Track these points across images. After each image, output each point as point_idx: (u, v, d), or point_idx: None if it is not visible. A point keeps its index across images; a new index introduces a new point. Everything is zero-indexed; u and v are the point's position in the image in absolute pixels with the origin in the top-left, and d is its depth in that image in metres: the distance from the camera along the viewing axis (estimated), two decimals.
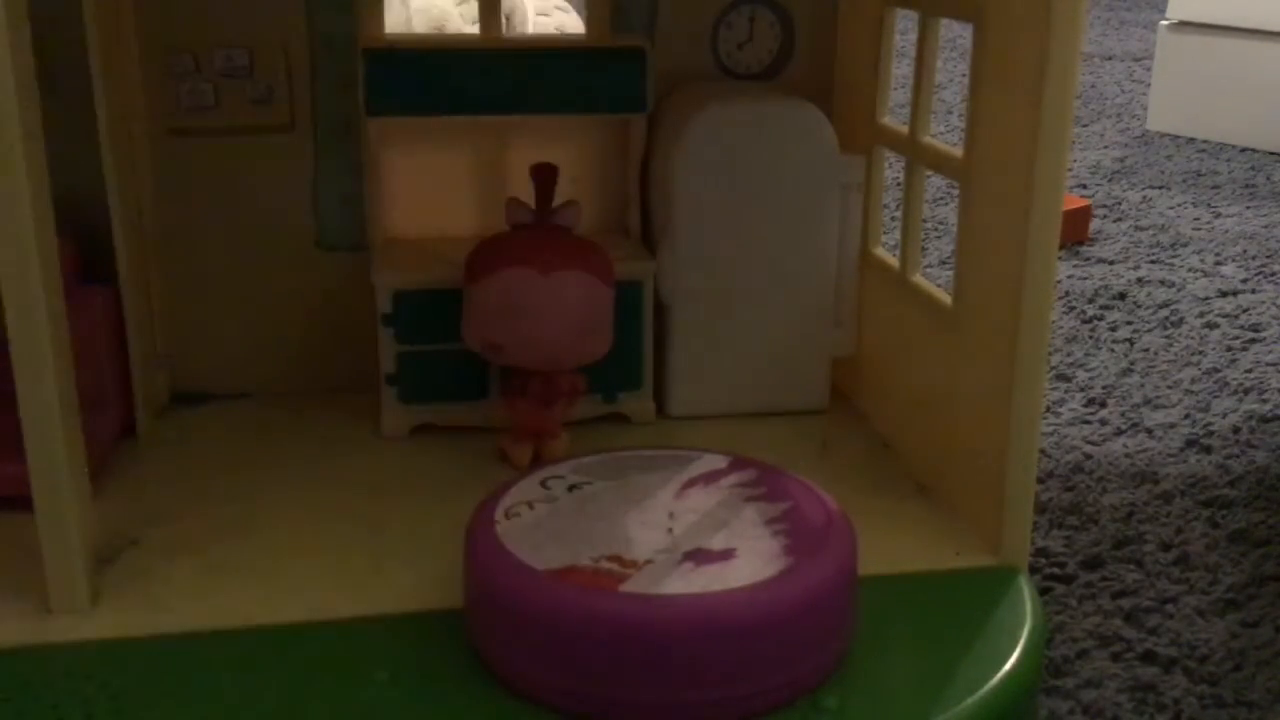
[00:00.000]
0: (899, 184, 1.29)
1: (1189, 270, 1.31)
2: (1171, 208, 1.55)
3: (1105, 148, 1.86)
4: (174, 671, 0.49)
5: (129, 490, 0.63)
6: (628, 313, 0.69)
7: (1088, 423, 0.95)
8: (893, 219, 1.19)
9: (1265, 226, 1.48)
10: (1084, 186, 1.64)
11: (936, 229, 1.43)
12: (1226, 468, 0.88)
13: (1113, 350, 1.10)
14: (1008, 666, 0.50)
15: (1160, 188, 1.65)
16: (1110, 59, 2.58)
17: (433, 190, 0.74)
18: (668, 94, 0.72)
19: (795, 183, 0.69)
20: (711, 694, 0.45)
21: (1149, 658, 0.67)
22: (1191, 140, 1.92)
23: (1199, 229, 1.47)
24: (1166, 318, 1.17)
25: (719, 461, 0.55)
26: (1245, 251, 1.38)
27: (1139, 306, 1.20)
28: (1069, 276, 1.29)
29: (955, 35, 2.48)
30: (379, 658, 0.49)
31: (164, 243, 0.72)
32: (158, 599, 0.54)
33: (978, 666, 0.49)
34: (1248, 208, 1.56)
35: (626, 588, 0.45)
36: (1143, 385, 1.02)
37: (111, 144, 0.64)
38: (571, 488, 0.53)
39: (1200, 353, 1.09)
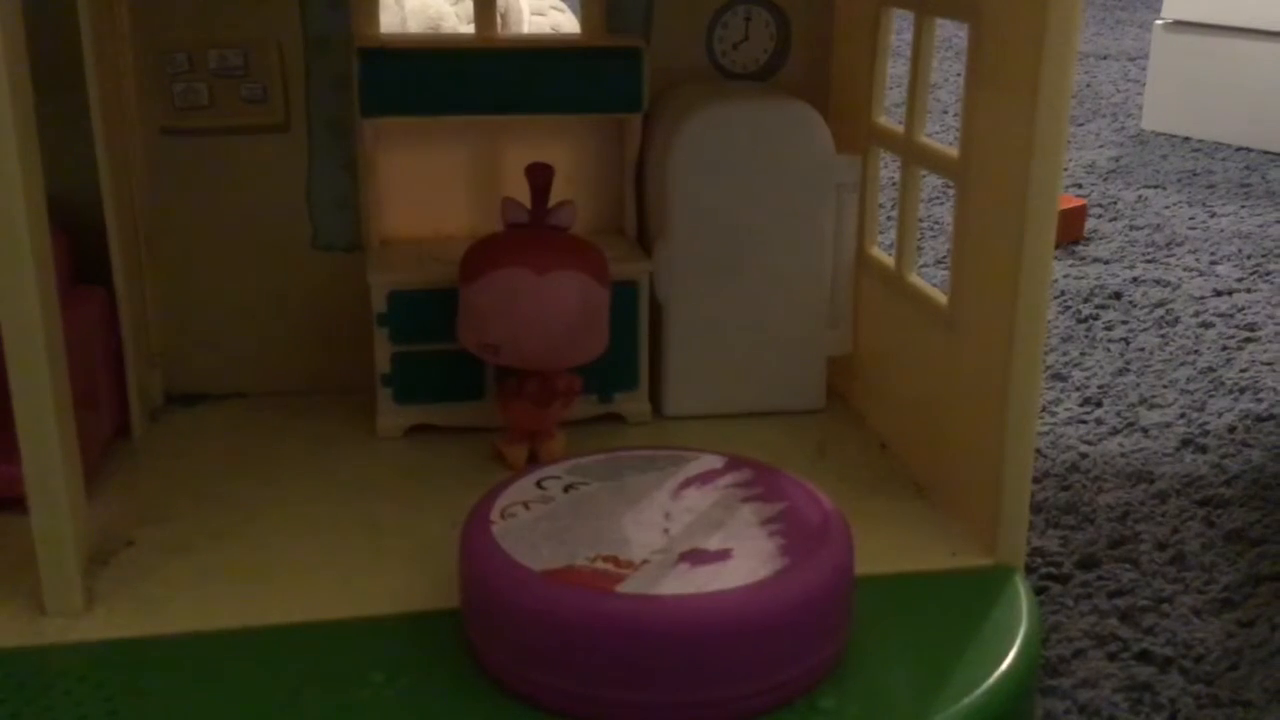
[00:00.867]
0: (894, 184, 1.29)
1: (1184, 270, 1.32)
2: (1167, 207, 1.56)
3: (1100, 147, 1.86)
4: (169, 673, 0.49)
5: (124, 491, 0.63)
6: (623, 313, 0.69)
7: (1083, 422, 0.95)
8: (888, 219, 1.19)
9: (1260, 226, 1.48)
10: (1079, 186, 1.64)
11: (932, 229, 1.43)
12: (1222, 467, 0.88)
13: (1108, 350, 1.10)
14: (1004, 666, 0.49)
15: (1155, 187, 1.65)
16: (1105, 58, 2.58)
17: (428, 190, 0.74)
18: (663, 94, 0.72)
19: (791, 182, 0.69)
20: (708, 694, 0.45)
21: (1145, 657, 0.67)
22: (1187, 140, 1.92)
23: (1194, 228, 1.47)
24: (1162, 317, 1.17)
25: (715, 461, 0.55)
26: (1240, 251, 1.38)
27: (1134, 306, 1.20)
28: (1064, 276, 1.29)
29: (951, 35, 2.48)
30: (375, 659, 0.49)
31: (158, 243, 0.72)
32: (153, 600, 0.53)
33: (974, 666, 0.49)
34: (1243, 207, 1.56)
35: (623, 588, 0.45)
36: (1138, 385, 1.02)
37: (106, 144, 0.64)
38: (567, 488, 0.53)
39: (1196, 352, 1.09)
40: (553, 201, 0.66)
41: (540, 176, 0.65)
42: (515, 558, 0.47)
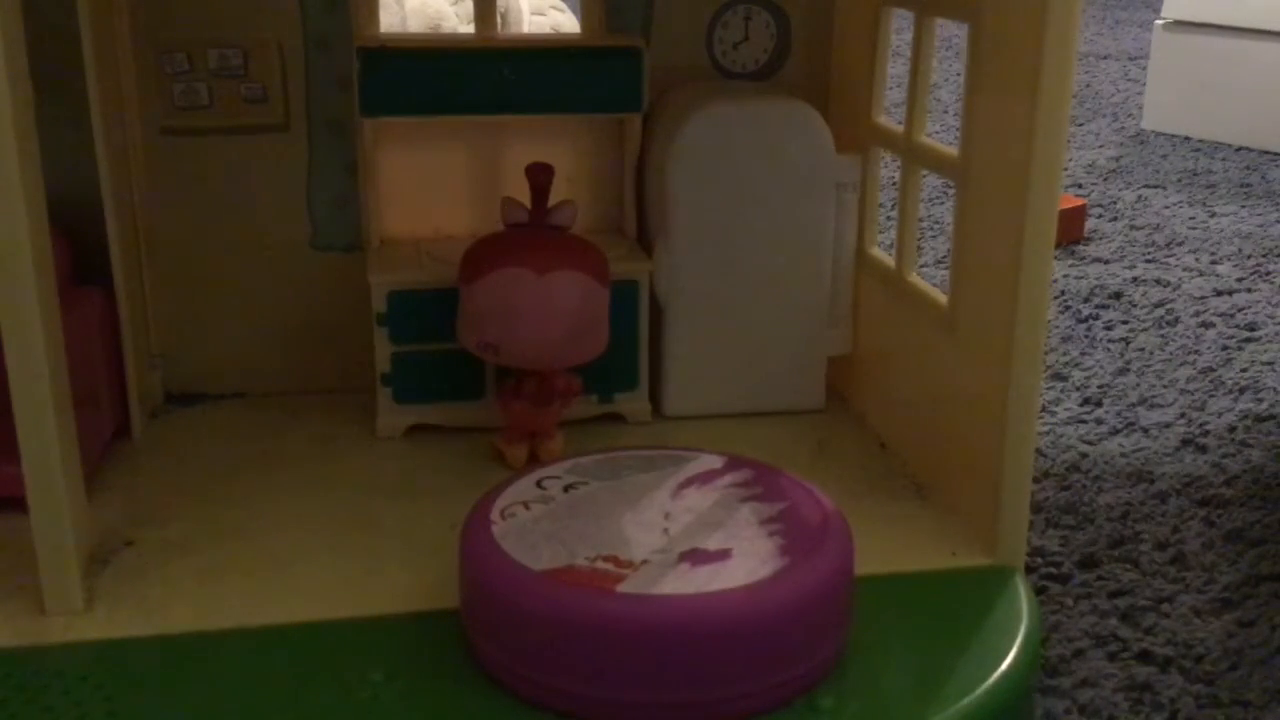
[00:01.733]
0: (894, 184, 1.29)
1: (1184, 269, 1.31)
2: (1167, 207, 1.56)
3: (1100, 147, 1.86)
4: (169, 673, 0.49)
5: (123, 491, 0.63)
6: (623, 312, 0.69)
7: (1083, 422, 0.95)
8: (888, 219, 1.19)
9: (1260, 225, 1.48)
10: (1079, 186, 1.64)
11: (932, 228, 1.43)
12: (1222, 467, 0.88)
13: (1108, 349, 1.10)
14: (1004, 666, 0.49)
15: (1156, 187, 1.65)
16: (1105, 58, 2.58)
17: (428, 190, 0.74)
18: (663, 93, 0.72)
19: (791, 182, 0.69)
20: (707, 694, 0.45)
21: (1145, 657, 0.67)
22: (1187, 139, 1.92)
23: (1194, 228, 1.47)
24: (1162, 317, 1.17)
25: (715, 461, 0.55)
26: (1240, 250, 1.38)
27: (1134, 306, 1.20)
28: (1064, 276, 1.29)
29: (951, 35, 2.48)
30: (375, 658, 0.49)
31: (158, 243, 0.72)
32: (152, 600, 0.53)
33: (974, 666, 0.49)
34: (1243, 207, 1.56)
35: (623, 588, 0.45)
36: (1138, 384, 1.02)
37: (106, 144, 0.64)
38: (567, 488, 0.52)
39: (1196, 352, 1.09)
40: (553, 201, 0.66)
41: (540, 176, 0.65)
42: (515, 558, 0.47)
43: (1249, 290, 1.25)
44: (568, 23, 1.58)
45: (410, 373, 0.69)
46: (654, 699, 0.45)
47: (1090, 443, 0.92)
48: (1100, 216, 1.51)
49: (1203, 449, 0.91)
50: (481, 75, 0.68)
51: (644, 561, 0.47)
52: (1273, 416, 0.96)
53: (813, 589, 0.47)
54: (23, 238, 0.47)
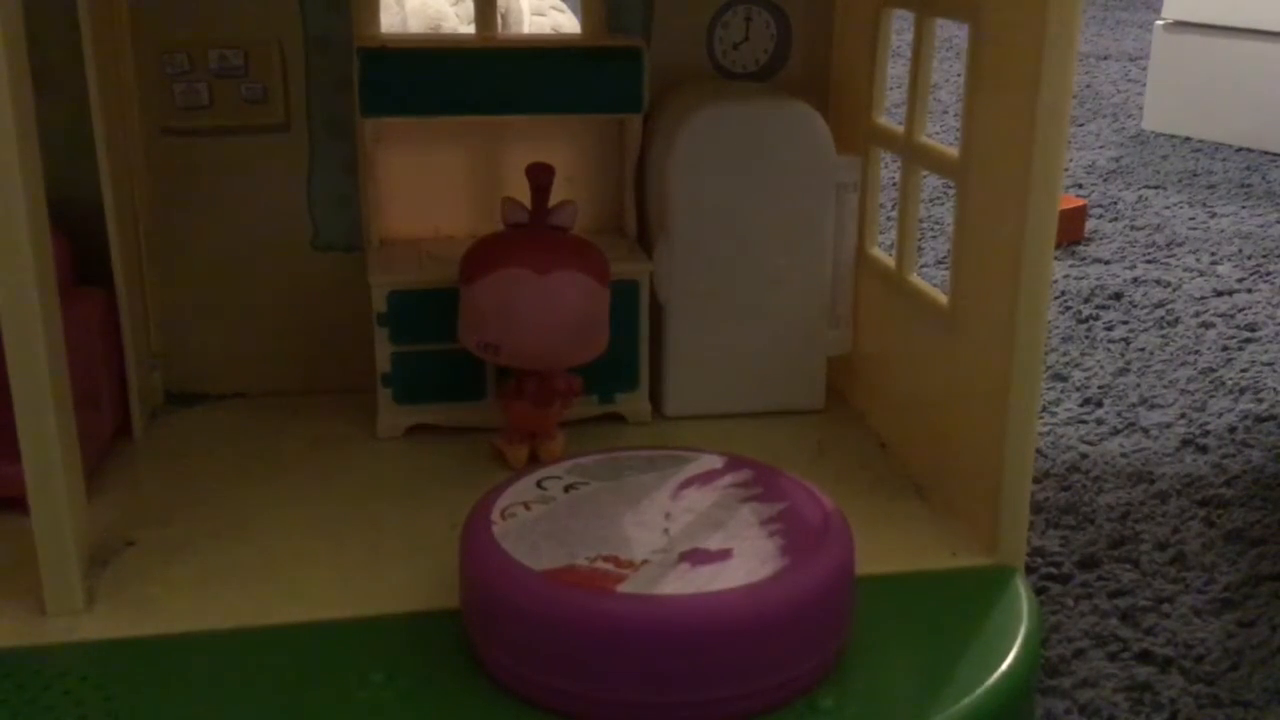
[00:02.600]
0: (895, 184, 1.29)
1: (1185, 270, 1.32)
2: (1167, 207, 1.56)
3: (1101, 147, 1.86)
4: (169, 673, 0.49)
5: (124, 491, 0.63)
6: (624, 313, 0.69)
7: (1084, 422, 0.95)
8: (889, 219, 1.19)
9: (1261, 226, 1.48)
10: (1080, 186, 1.64)
11: (932, 229, 1.43)
12: (1222, 467, 0.88)
13: (1109, 350, 1.10)
14: (1004, 666, 0.49)
15: (1156, 187, 1.65)
16: (1106, 59, 2.58)
17: (428, 190, 0.74)
18: (663, 94, 0.72)
19: (791, 182, 0.69)
20: (708, 694, 0.45)
21: (1145, 657, 0.67)
22: (1187, 140, 1.92)
23: (1195, 229, 1.47)
24: (1162, 317, 1.17)
25: (715, 461, 0.55)
26: (1241, 251, 1.38)
27: (1135, 306, 1.20)
28: (1065, 276, 1.29)
29: (951, 35, 2.48)
30: (375, 659, 0.49)
31: (159, 243, 0.72)
32: (153, 600, 0.54)
33: (974, 666, 0.49)
34: (1243, 207, 1.56)
35: (623, 588, 0.45)
36: (1139, 385, 1.02)
37: (106, 144, 0.64)
38: (568, 488, 0.53)
39: (1196, 352, 1.09)
40: (553, 201, 0.66)
41: (540, 176, 0.65)
42: (515, 558, 0.47)
43: (1249, 291, 1.25)
44: (568, 23, 1.58)
45: (411, 373, 0.69)
46: (654, 699, 0.45)
47: (1090, 443, 0.92)
48: (1100, 217, 1.51)
49: (1203, 449, 0.91)
50: (482, 75, 0.68)
51: (644, 561, 0.47)
52: (1273, 417, 0.96)
53: (813, 589, 0.47)
54: (23, 238, 0.47)
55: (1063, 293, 1.24)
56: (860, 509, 0.57)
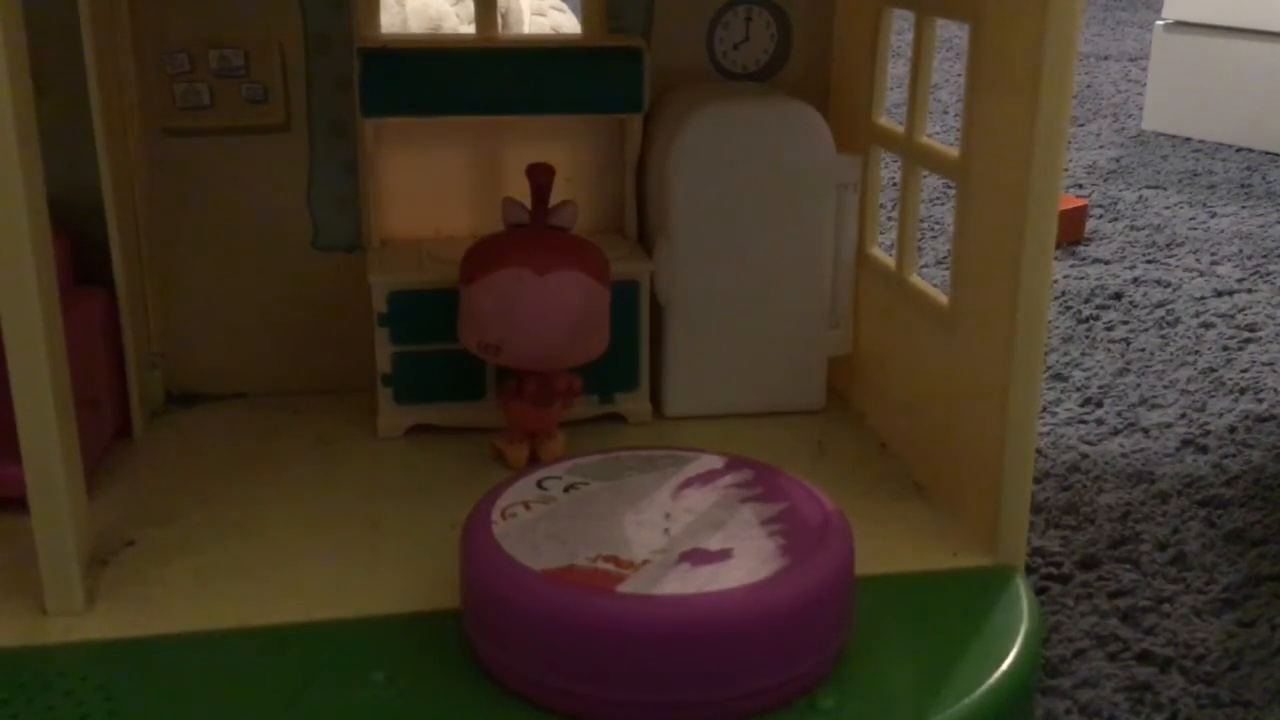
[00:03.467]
0: (895, 184, 1.29)
1: (1185, 270, 1.32)
2: (1167, 207, 1.56)
3: (1101, 147, 1.86)
4: (170, 673, 0.49)
5: (124, 491, 0.63)
6: (624, 313, 0.69)
7: (1084, 422, 0.95)
8: (889, 219, 1.19)
9: (1261, 226, 1.48)
10: (1080, 186, 1.64)
11: (933, 229, 1.43)
12: (1223, 467, 0.88)
13: (1109, 350, 1.10)
14: (1004, 666, 0.49)
15: (1156, 187, 1.65)
16: (1106, 59, 2.58)
17: (429, 190, 0.74)
18: (664, 94, 0.72)
19: (791, 182, 0.69)
20: (708, 694, 0.45)
21: (1146, 657, 0.67)
22: (1187, 140, 1.92)
23: (1195, 229, 1.47)
24: (1162, 318, 1.17)
25: (716, 462, 0.55)
26: (1241, 251, 1.38)
27: (1135, 306, 1.20)
28: (1065, 276, 1.29)
29: (951, 35, 2.48)
30: (375, 659, 0.49)
31: (159, 243, 0.72)
32: (153, 600, 0.54)
33: (975, 666, 0.49)
34: (1243, 207, 1.56)
35: (623, 588, 0.45)
36: (1139, 385, 1.02)
37: (107, 144, 0.64)
38: (568, 488, 0.53)
39: (1196, 352, 1.09)
40: (553, 201, 0.66)
41: (541, 176, 0.65)
42: (515, 558, 0.47)
43: (1249, 291, 1.25)
44: (568, 23, 1.58)
45: (411, 373, 0.69)
46: (654, 699, 0.45)
47: (1091, 443, 0.92)
48: (1101, 217, 1.51)
49: (1203, 449, 0.91)
50: (482, 75, 0.68)
51: (644, 561, 0.47)
52: (1273, 417, 0.96)
53: (813, 589, 0.47)
54: (24, 238, 0.47)
55: (1063, 293, 1.24)
56: (860, 509, 0.57)
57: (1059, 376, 1.04)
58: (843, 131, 0.71)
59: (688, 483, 0.53)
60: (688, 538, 0.49)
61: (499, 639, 0.47)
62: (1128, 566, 0.76)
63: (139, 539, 0.58)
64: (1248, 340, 1.12)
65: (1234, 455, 0.90)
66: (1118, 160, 1.79)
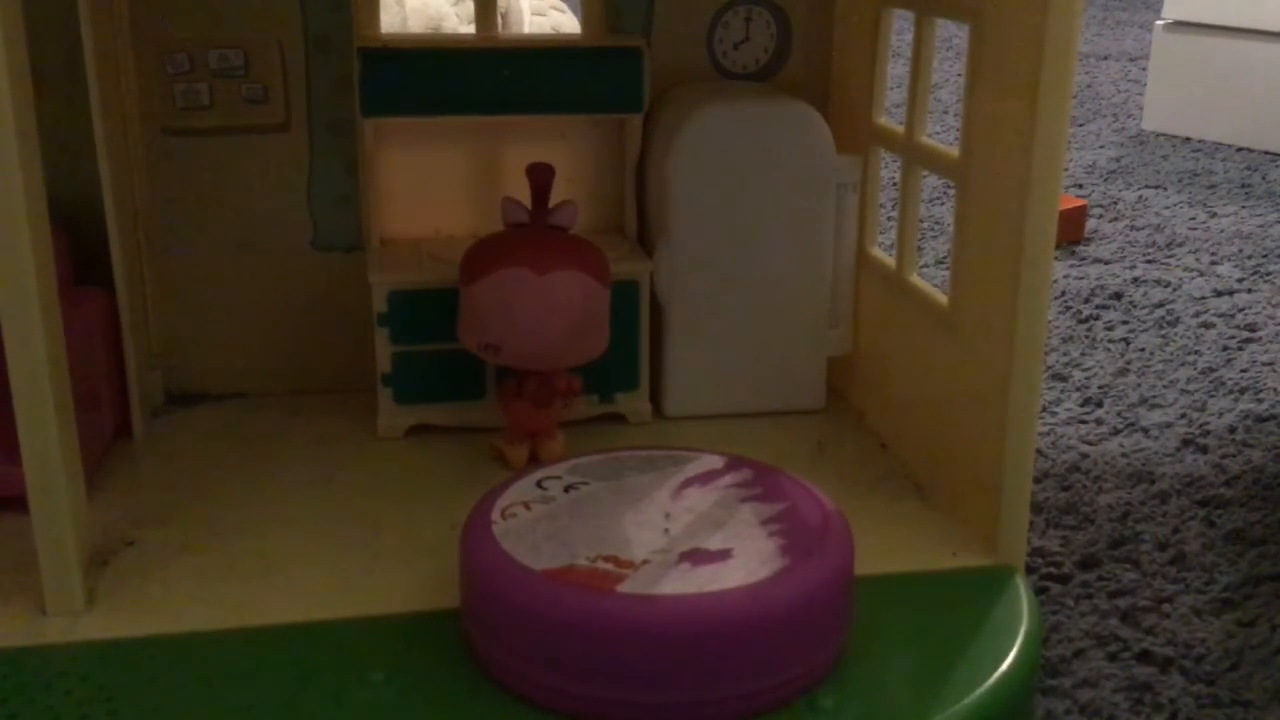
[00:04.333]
0: (895, 184, 1.29)
1: (1185, 270, 1.32)
2: (1167, 207, 1.56)
3: (1101, 147, 1.86)
4: (170, 673, 0.49)
5: (124, 491, 0.63)
6: (624, 313, 0.69)
7: (1084, 422, 0.95)
8: (889, 219, 1.19)
9: (1261, 226, 1.48)
10: (1080, 186, 1.64)
11: (933, 229, 1.43)
12: (1223, 467, 0.88)
13: (1109, 350, 1.10)
14: (1004, 666, 0.49)
15: (1156, 187, 1.65)
16: (1106, 59, 2.58)
17: (428, 190, 0.74)
18: (664, 94, 0.72)
19: (791, 182, 0.69)
20: (708, 694, 0.45)
21: (1145, 657, 0.67)
22: (1187, 140, 1.92)
23: (1195, 229, 1.47)
24: (1162, 317, 1.17)
25: (715, 461, 0.55)
26: (1241, 251, 1.38)
27: (1135, 306, 1.20)
28: (1065, 276, 1.29)
29: (951, 35, 2.48)
30: (375, 659, 0.49)
31: (159, 243, 0.72)
32: (153, 600, 0.54)
33: (974, 666, 0.49)
34: (1243, 207, 1.56)
35: (623, 588, 0.45)
36: (1139, 385, 1.02)
37: (106, 144, 0.64)
38: (568, 488, 0.53)
39: (1196, 352, 1.09)
40: (553, 201, 0.66)
41: (541, 176, 0.65)
42: (515, 558, 0.47)
43: (1249, 291, 1.25)
44: (568, 23, 1.58)
45: (411, 373, 0.69)
46: (654, 699, 0.45)
47: (1091, 443, 0.92)
48: (1100, 217, 1.51)
49: (1203, 449, 0.91)
50: (482, 75, 0.68)
51: (644, 561, 0.47)
52: (1273, 417, 0.96)
53: (813, 589, 0.47)
54: (24, 238, 0.47)
55: (1063, 293, 1.24)
56: (860, 509, 0.57)
57: (1059, 376, 1.04)
58: (843, 131, 0.71)
59: (688, 483, 0.53)
60: (688, 538, 0.49)
61: (499, 639, 0.47)
62: (1128, 566, 0.76)
63: (139, 539, 0.58)
64: (1248, 340, 1.12)
65: (1234, 455, 0.90)
66: (1118, 160, 1.79)
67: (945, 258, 1.31)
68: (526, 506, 0.51)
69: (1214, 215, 1.52)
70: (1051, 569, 0.75)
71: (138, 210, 0.70)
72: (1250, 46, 1.88)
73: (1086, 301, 1.21)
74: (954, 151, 0.61)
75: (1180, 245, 1.40)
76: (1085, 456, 0.90)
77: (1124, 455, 0.90)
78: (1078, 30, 0.52)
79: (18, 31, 0.47)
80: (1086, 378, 1.04)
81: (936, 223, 1.46)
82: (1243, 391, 1.01)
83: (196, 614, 0.52)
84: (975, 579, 0.56)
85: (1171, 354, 1.09)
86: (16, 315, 0.48)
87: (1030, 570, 0.74)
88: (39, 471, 0.50)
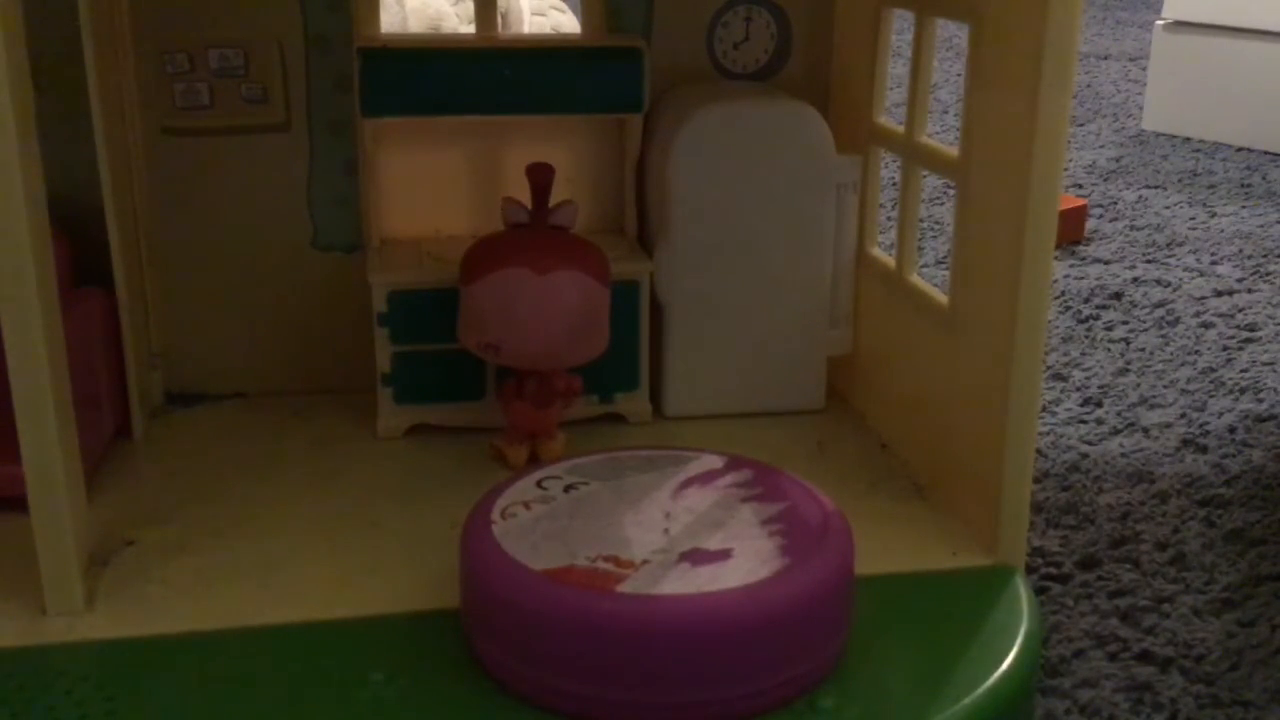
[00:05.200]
0: (895, 184, 1.29)
1: (1185, 270, 1.32)
2: (1167, 207, 1.56)
3: (1101, 147, 1.86)
4: (170, 673, 0.49)
5: (124, 491, 0.63)
6: (624, 312, 0.69)
7: (1084, 422, 0.95)
8: (889, 219, 1.19)
9: (1261, 226, 1.48)
10: (1080, 186, 1.64)
11: (933, 229, 1.43)
12: (1222, 467, 0.88)
13: (1109, 350, 1.10)
14: (1004, 666, 0.49)
15: (1156, 187, 1.65)
16: (1106, 58, 2.58)
17: (428, 190, 0.74)
18: (664, 94, 0.72)
19: (791, 182, 0.69)
20: (708, 694, 0.45)
21: (1145, 657, 0.67)
22: (1187, 140, 1.92)
23: (1195, 228, 1.47)
24: (1162, 317, 1.17)
25: (715, 461, 0.55)
26: (1241, 251, 1.38)
27: (1135, 306, 1.20)
28: (1065, 276, 1.29)
29: (951, 35, 2.48)
30: (375, 658, 0.49)
31: (158, 243, 0.72)
32: (153, 600, 0.53)
33: (974, 666, 0.49)
34: (1243, 207, 1.56)
35: (623, 588, 0.45)
36: (1139, 385, 1.02)
37: (106, 144, 0.64)
38: (568, 488, 0.53)
39: (1196, 352, 1.09)
40: (553, 201, 0.66)
41: (541, 176, 0.65)
42: (515, 558, 0.47)
43: (1249, 290, 1.25)
44: (568, 23, 1.58)
45: (411, 373, 0.69)
46: (654, 699, 0.45)
47: (1090, 443, 0.92)
48: (1100, 217, 1.51)
49: (1203, 449, 0.91)
50: (482, 75, 0.68)
51: (644, 561, 0.47)
52: (1273, 417, 0.96)
53: (813, 589, 0.47)
54: (23, 238, 0.47)
55: (1063, 292, 1.24)
56: (860, 509, 0.57)
57: (1059, 376, 1.04)
58: (843, 131, 0.71)
59: (688, 483, 0.53)
60: (688, 538, 0.49)
61: (499, 639, 0.47)
62: (1128, 566, 0.76)
63: (139, 539, 0.58)
64: (1248, 340, 1.12)
65: (1234, 455, 0.90)
66: (1118, 160, 1.79)
67: (945, 258, 1.31)
68: (526, 506, 0.51)
69: (1214, 215, 1.52)
70: (1051, 569, 0.75)
71: (138, 210, 0.70)
72: (1250, 46, 1.88)
73: (1086, 301, 1.21)
74: (954, 151, 0.61)
75: (1180, 245, 1.40)
76: (1085, 456, 0.90)
77: (1124, 455, 0.90)
78: (1078, 30, 0.52)
79: (18, 31, 0.47)
80: (1086, 377, 1.04)
81: (936, 223, 1.46)
82: (1243, 391, 1.01)
83: (196, 614, 0.52)
84: (975, 579, 0.56)
85: (1171, 354, 1.09)
86: (16, 315, 0.48)
87: (1030, 570, 0.75)
88: (39, 471, 0.50)
